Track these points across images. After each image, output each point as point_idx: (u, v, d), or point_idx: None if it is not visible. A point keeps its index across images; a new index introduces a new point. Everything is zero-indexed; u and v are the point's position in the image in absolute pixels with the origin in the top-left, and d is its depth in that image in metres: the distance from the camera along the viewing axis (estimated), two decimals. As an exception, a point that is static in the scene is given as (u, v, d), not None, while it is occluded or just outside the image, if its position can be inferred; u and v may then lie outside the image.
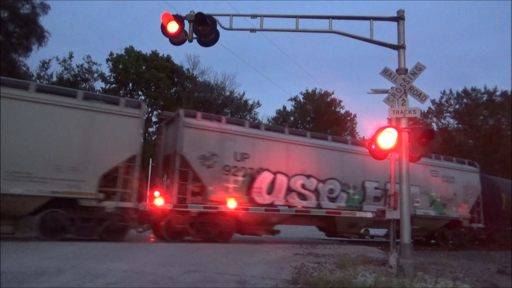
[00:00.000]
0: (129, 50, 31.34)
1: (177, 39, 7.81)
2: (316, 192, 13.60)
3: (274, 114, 43.58)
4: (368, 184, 14.72)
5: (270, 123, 41.32)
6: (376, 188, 14.82)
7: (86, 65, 32.24)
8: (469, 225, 16.84)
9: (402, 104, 7.12)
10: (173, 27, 7.63)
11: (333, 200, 13.92)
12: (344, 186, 14.21)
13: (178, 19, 7.71)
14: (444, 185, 16.84)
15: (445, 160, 17.54)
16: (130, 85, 31.48)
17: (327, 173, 13.97)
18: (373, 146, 7.16)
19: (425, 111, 40.53)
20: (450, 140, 36.87)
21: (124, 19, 74.39)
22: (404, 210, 6.93)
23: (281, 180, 12.96)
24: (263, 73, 76.84)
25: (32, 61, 42.56)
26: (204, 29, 7.70)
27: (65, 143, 9.98)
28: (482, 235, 17.57)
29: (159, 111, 33.13)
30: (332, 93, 43.69)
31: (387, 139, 6.87)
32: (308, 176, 13.53)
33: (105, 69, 32.05)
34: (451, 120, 41.81)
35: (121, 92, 31.19)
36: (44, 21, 25.84)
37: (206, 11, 7.67)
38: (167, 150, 12.53)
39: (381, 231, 20.97)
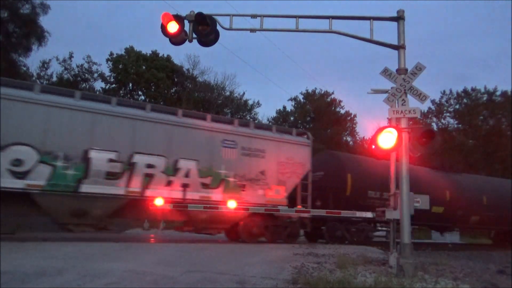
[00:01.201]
0: (129, 50, 31.40)
1: (177, 39, 7.82)
2: None
3: (274, 114, 43.62)
4: (96, 154, 10.27)
5: (271, 123, 41.35)
6: (111, 160, 10.44)
7: (86, 65, 32.40)
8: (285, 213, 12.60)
9: (402, 104, 7.12)
10: (173, 27, 7.64)
11: (21, 175, 9.49)
12: (46, 156, 9.73)
13: (178, 19, 7.72)
14: (245, 160, 12.37)
15: (256, 127, 13.14)
16: (130, 85, 31.54)
17: (10, 136, 9.44)
18: (373, 146, 7.15)
19: (425, 111, 40.66)
20: (450, 140, 36.89)
21: (124, 19, 74.37)
22: (404, 210, 6.93)
23: None
24: (263, 73, 76.83)
25: (32, 61, 42.55)
26: (204, 29, 7.71)
27: None
28: (309, 227, 13.61)
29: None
30: (332, 93, 43.74)
31: (387, 139, 6.86)
32: None
33: (105, 69, 32.19)
34: (451, 120, 41.95)
35: (121, 92, 31.23)
36: (44, 21, 25.93)
37: (206, 11, 7.69)
38: None
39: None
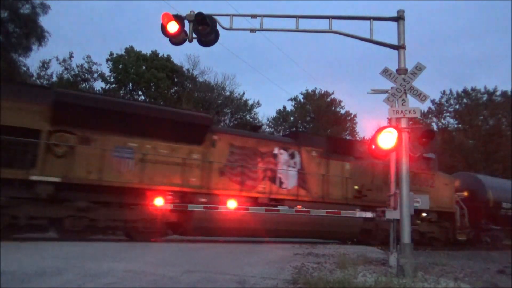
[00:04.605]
0: (129, 50, 31.38)
1: (177, 39, 7.82)
2: None
3: (274, 114, 43.58)
4: None
5: (271, 123, 41.42)
6: None
7: (86, 65, 32.36)
8: None
9: (402, 104, 7.12)
10: (173, 27, 7.64)
11: None
12: None
13: (178, 19, 7.72)
14: None
15: None
16: (130, 85, 31.51)
17: None
18: (373, 146, 7.16)
19: (425, 111, 40.60)
20: (450, 140, 36.88)
21: (124, 19, 74.41)
22: (404, 210, 6.93)
23: None
24: (263, 73, 76.78)
25: (32, 61, 42.58)
26: (204, 29, 7.71)
27: None
28: None
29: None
30: (332, 93, 43.71)
31: (387, 139, 6.87)
32: None
33: (105, 69, 32.16)
34: (451, 120, 41.88)
35: (121, 92, 31.23)
36: (44, 21, 25.90)
37: (206, 11, 7.69)
38: None
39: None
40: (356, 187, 14.36)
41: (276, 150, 13.22)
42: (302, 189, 13.40)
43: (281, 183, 13.09)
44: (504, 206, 18.39)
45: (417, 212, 14.20)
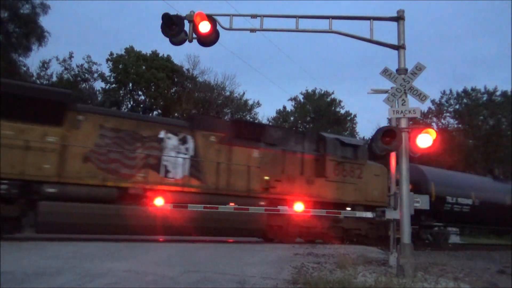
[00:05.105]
0: (129, 50, 31.35)
1: (177, 39, 7.82)
2: None
3: (274, 114, 43.58)
4: None
5: (271, 124, 41.43)
6: None
7: (86, 65, 32.32)
8: None
9: (402, 104, 7.13)
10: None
11: None
12: None
13: (178, 19, 7.72)
14: None
15: None
16: (130, 85, 31.48)
17: None
18: (373, 146, 7.17)
19: (425, 111, 40.58)
20: (450, 140, 36.89)
21: (124, 19, 74.41)
22: (404, 210, 6.93)
23: None
24: (263, 73, 76.76)
25: (32, 61, 42.50)
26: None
27: None
28: None
29: (159, 111, 33.31)
30: (332, 93, 43.70)
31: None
32: None
33: (105, 69, 32.10)
34: (451, 120, 41.85)
35: (121, 92, 31.25)
36: (44, 21, 25.91)
37: (206, 11, 7.70)
38: None
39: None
40: (266, 177, 12.62)
41: (162, 134, 11.50)
42: (194, 179, 11.67)
43: (166, 172, 11.33)
44: (449, 200, 16.64)
45: (342, 206, 13.32)
